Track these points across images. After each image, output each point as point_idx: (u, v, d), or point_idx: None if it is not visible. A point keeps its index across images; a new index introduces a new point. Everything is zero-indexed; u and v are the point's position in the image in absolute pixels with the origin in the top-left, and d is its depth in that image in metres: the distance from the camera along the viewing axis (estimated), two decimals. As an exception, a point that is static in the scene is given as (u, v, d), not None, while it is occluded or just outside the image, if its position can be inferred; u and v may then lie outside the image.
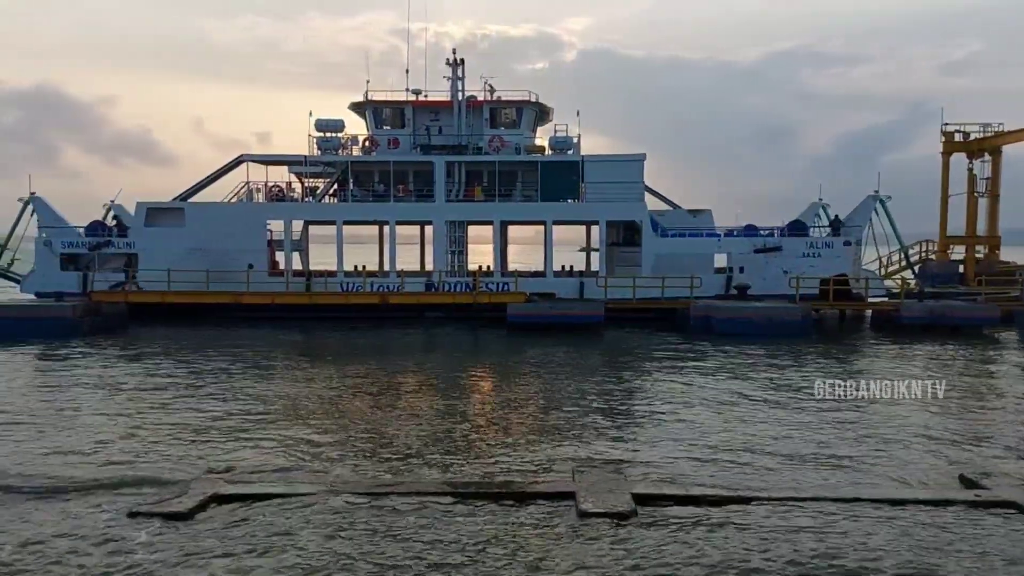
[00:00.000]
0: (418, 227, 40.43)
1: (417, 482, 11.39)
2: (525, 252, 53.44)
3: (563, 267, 38.52)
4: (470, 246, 37.28)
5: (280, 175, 37.74)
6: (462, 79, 36.67)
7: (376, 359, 24.43)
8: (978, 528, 9.26)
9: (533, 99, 36.97)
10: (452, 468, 12.51)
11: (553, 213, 35.50)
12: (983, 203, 42.30)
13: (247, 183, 36.34)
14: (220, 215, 35.00)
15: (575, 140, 36.56)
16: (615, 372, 22.26)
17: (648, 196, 36.16)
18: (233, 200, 36.15)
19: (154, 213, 35.17)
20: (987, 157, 41.59)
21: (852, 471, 12.37)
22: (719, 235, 35.82)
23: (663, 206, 37.50)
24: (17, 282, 35.34)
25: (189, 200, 35.74)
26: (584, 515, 9.52)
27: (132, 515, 9.65)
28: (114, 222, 35.68)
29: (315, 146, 36.12)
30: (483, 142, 36.29)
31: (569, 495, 10.23)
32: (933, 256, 43.65)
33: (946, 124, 42.14)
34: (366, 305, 33.18)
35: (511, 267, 39.44)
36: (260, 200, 36.39)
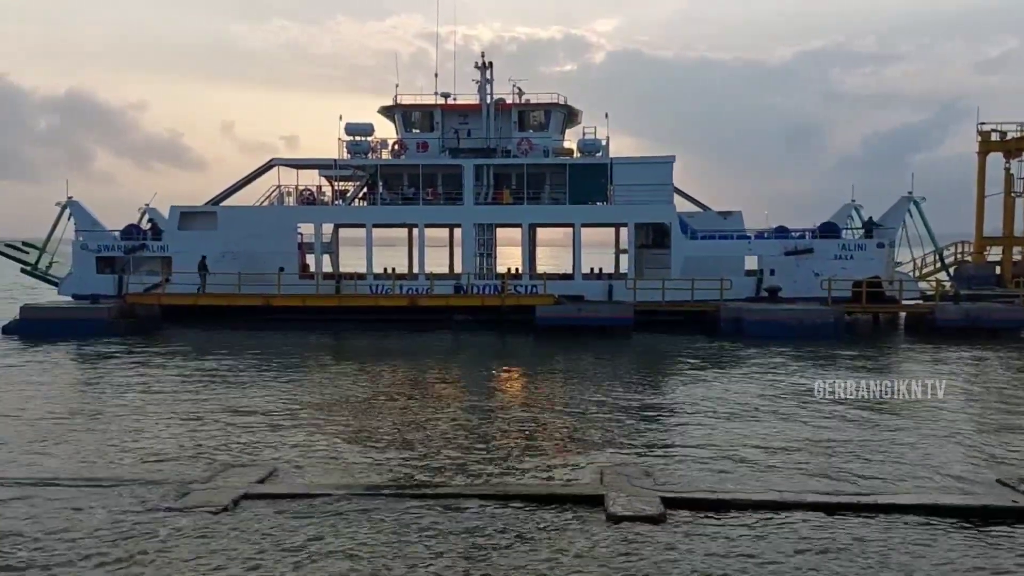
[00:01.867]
0: (447, 230, 40.61)
1: (444, 484, 11.43)
2: (555, 254, 53.40)
3: (592, 269, 38.45)
4: (499, 248, 37.34)
5: (311, 179, 38.18)
6: (490, 82, 36.80)
7: (405, 361, 24.57)
8: (1016, 537, 9.08)
9: (561, 101, 36.96)
10: (479, 471, 12.53)
11: (581, 216, 35.42)
12: (1020, 203, 41.48)
13: (278, 187, 36.78)
14: (251, 218, 35.44)
15: (603, 142, 36.48)
16: (644, 375, 22.15)
17: (677, 198, 35.95)
18: (264, 204, 36.60)
19: (187, 217, 35.71)
20: (1025, 157, 40.79)
21: (885, 477, 12.17)
22: (749, 237, 35.48)
23: (693, 208, 37.23)
24: (55, 284, 36.10)
25: (221, 204, 36.25)
26: (613, 518, 9.49)
27: (166, 510, 9.82)
28: (149, 225, 36.30)
29: (345, 150, 36.43)
30: (512, 145, 36.33)
31: (598, 499, 10.21)
32: (969, 258, 42.87)
33: (982, 123, 41.41)
34: (395, 307, 33.38)
35: (540, 269, 39.42)
36: (291, 203, 36.78)
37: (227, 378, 21.06)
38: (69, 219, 35.96)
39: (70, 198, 35.88)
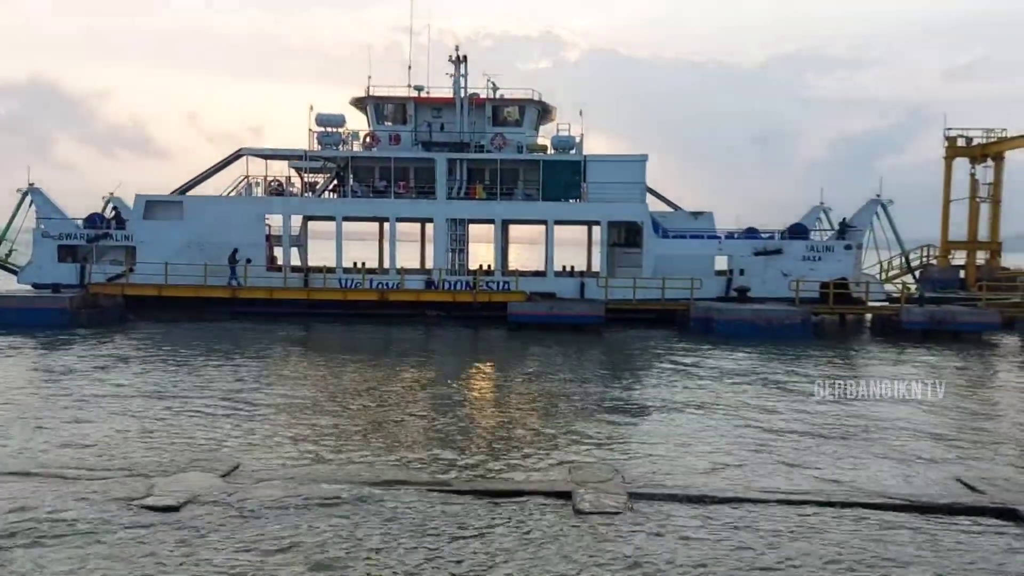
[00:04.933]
0: (418, 225, 40.30)
1: (413, 480, 11.26)
2: (530, 251, 53.34)
3: (564, 267, 38.41)
4: (472, 245, 37.15)
5: (280, 170, 37.67)
6: (465, 76, 36.52)
7: (374, 356, 24.32)
8: (975, 534, 9.13)
9: (536, 98, 36.82)
10: (449, 466, 12.39)
11: (555, 213, 35.34)
12: (985, 208, 42.22)
13: (246, 177, 36.22)
14: (219, 209, 34.87)
15: (577, 140, 36.43)
16: (614, 372, 22.13)
17: (649, 197, 36.03)
18: (232, 194, 36.02)
19: (153, 206, 35.04)
20: (990, 162, 41.54)
21: (849, 474, 12.24)
22: (720, 237, 35.68)
23: (664, 207, 37.34)
24: (15, 273, 35.25)
25: (188, 193, 35.63)
26: (580, 513, 9.41)
27: (124, 507, 9.53)
28: (112, 214, 35.59)
29: (315, 141, 35.98)
30: (485, 140, 36.14)
31: (566, 494, 10.13)
32: (934, 261, 43.54)
33: (949, 129, 42.08)
34: (365, 302, 33.07)
35: (513, 266, 39.31)
36: (259, 194, 36.25)
37: (191, 371, 20.67)
38: (30, 206, 35.13)
39: (31, 185, 35.04)
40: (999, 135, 40.63)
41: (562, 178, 35.25)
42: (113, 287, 32.89)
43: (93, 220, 35.11)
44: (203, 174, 36.02)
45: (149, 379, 19.35)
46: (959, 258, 43.19)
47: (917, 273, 39.84)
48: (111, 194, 36.01)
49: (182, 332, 27.83)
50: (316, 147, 35.95)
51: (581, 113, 43.55)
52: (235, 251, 33.37)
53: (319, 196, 36.70)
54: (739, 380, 20.71)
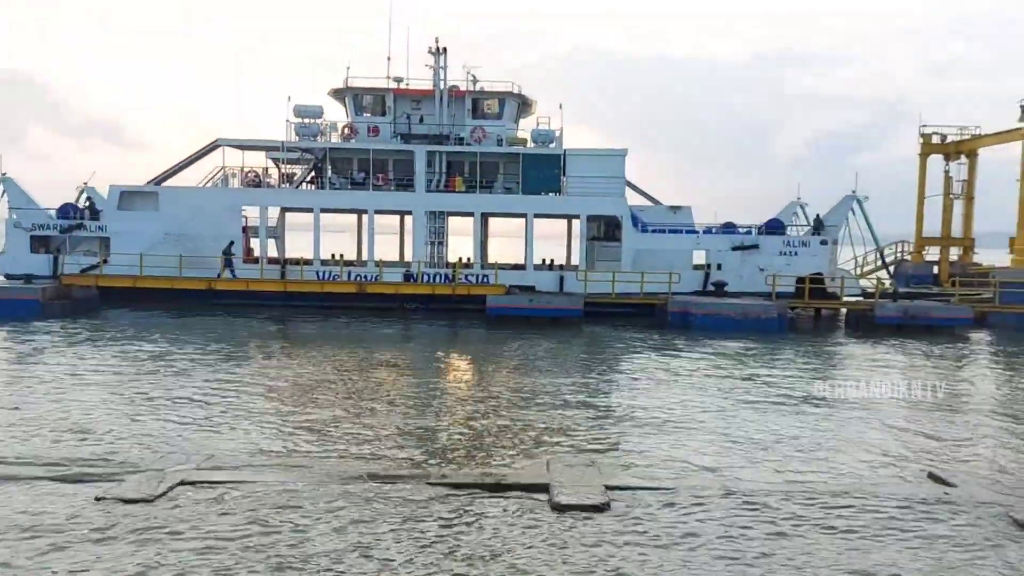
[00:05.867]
0: (397, 217, 40.15)
1: (387, 471, 11.23)
2: (510, 245, 53.31)
3: (543, 260, 38.45)
4: (451, 238, 37.08)
5: (257, 161, 37.35)
6: (444, 68, 36.38)
7: (352, 349, 24.21)
8: (946, 525, 9.27)
9: (516, 91, 36.77)
10: (425, 458, 12.38)
11: (534, 206, 35.36)
12: (958, 205, 42.82)
13: (223, 168, 35.88)
14: (195, 200, 34.53)
15: (557, 133, 36.44)
16: (592, 365, 22.21)
17: (629, 191, 36.15)
18: (208, 185, 35.68)
19: (128, 197, 34.63)
20: (963, 160, 42.13)
21: (823, 466, 12.39)
22: (698, 232, 35.88)
23: (644, 201, 37.50)
24: (-15, 262, 34.69)
25: (163, 184, 35.24)
26: (558, 507, 9.43)
27: (97, 500, 9.43)
28: (86, 205, 35.12)
29: (293, 132, 35.69)
30: (465, 133, 36.05)
31: (543, 487, 10.14)
32: (908, 257, 44.13)
33: (924, 126, 42.62)
34: (343, 294, 32.92)
35: (492, 259, 39.30)
36: (236, 186, 35.93)
37: (165, 363, 20.46)
38: (2, 196, 34.57)
39: (3, 174, 34.48)
40: (973, 132, 41.19)
41: (542, 172, 35.25)
42: (87, 278, 32.52)
43: (66, 210, 34.64)
44: (179, 165, 35.64)
45: (119, 368, 19.13)
46: (933, 254, 43.81)
47: (891, 269, 40.36)
48: (85, 184, 35.51)
49: (156, 324, 27.54)
50: (294, 138, 35.68)
51: (561, 107, 43.48)
52: (231, 243, 33.38)
53: (297, 187, 36.43)
54: (716, 373, 20.87)
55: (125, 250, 32.80)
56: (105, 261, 33.20)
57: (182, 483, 10.03)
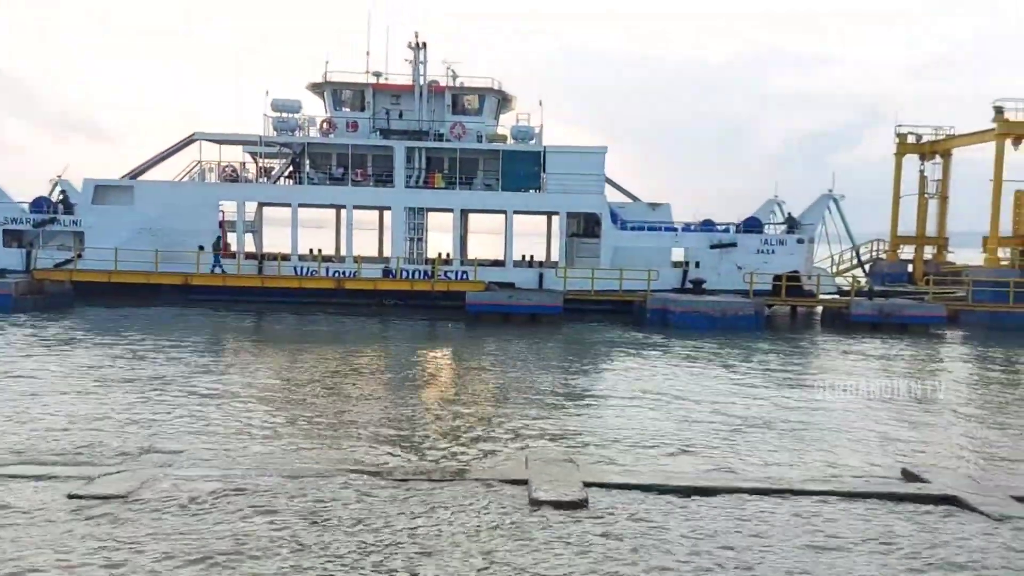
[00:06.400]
0: (376, 213, 39.95)
1: (366, 467, 11.17)
2: (489, 241, 53.22)
3: (523, 257, 38.46)
4: (430, 234, 36.97)
5: (234, 155, 37.02)
6: (424, 63, 36.25)
7: (330, 345, 24.07)
8: (919, 521, 9.39)
9: (496, 86, 36.72)
10: (403, 455, 12.33)
11: (514, 203, 35.33)
12: (933, 204, 43.35)
13: (199, 162, 35.52)
14: (171, 194, 34.17)
15: (537, 130, 36.43)
16: (571, 363, 22.25)
17: (608, 188, 36.25)
18: (184, 179, 35.30)
19: (102, 191, 34.20)
20: (938, 159, 42.63)
21: (797, 463, 12.50)
22: (677, 229, 36.06)
23: (623, 198, 37.60)
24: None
25: (139, 178, 34.82)
26: (536, 503, 9.43)
27: (70, 497, 9.30)
28: (60, 198, 34.62)
29: (271, 126, 35.39)
30: (444, 128, 35.95)
31: (522, 483, 10.14)
32: (884, 255, 44.64)
33: (900, 126, 43.08)
34: (321, 290, 32.74)
35: (472, 256, 39.26)
36: (213, 180, 35.58)
37: (140, 359, 20.22)
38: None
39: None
40: (948, 133, 41.70)
41: (522, 168, 35.24)
42: (61, 273, 32.07)
43: (39, 204, 34.13)
44: (155, 158, 35.24)
45: (91, 364, 18.89)
46: (907, 253, 44.32)
47: (867, 267, 40.80)
48: (58, 177, 35.00)
49: (131, 319, 27.21)
50: (272, 133, 35.39)
51: (541, 103, 43.52)
52: (219, 238, 33.04)
53: (274, 182, 36.15)
54: (694, 370, 20.98)
55: (100, 244, 32.40)
56: (79, 256, 32.77)
57: (147, 480, 9.92)
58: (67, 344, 22.17)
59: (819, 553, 8.15)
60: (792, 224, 36.21)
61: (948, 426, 15.68)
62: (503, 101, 37.55)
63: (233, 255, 34.72)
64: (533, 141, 36.14)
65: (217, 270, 32.87)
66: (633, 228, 35.41)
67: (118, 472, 10.25)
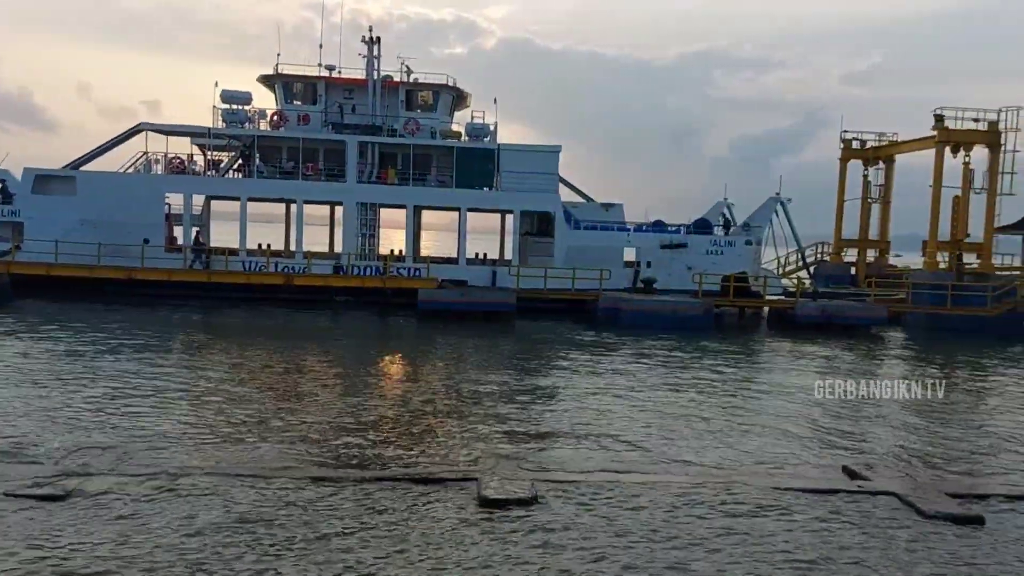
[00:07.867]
0: (327, 208, 39.47)
1: (313, 466, 11.04)
2: (442, 238, 53.02)
3: (476, 255, 38.39)
4: (383, 230, 36.67)
5: (182, 147, 36.19)
6: (378, 58, 35.93)
7: (277, 343, 23.71)
8: (861, 516, 9.64)
9: (450, 83, 36.59)
10: (351, 454, 12.21)
11: (467, 200, 35.25)
12: (876, 209, 44.54)
13: (145, 153, 34.66)
14: (115, 186, 33.28)
15: (491, 128, 36.41)
16: (523, 361, 22.29)
17: (562, 188, 36.40)
18: (129, 170, 34.41)
19: (43, 181, 33.14)
20: (881, 165, 43.80)
21: (742, 460, 12.72)
22: (629, 229, 36.40)
23: (577, 198, 37.82)
24: None
25: (81, 168, 33.83)
26: (485, 501, 9.43)
27: (6, 496, 9.00)
28: (-2, 188, 33.46)
29: (220, 118, 34.70)
30: (398, 124, 35.69)
31: (471, 480, 10.14)
32: (828, 258, 45.73)
33: (845, 132, 44.13)
34: (269, 286, 32.23)
35: (424, 253, 39.06)
36: (159, 172, 34.75)
37: (79, 356, 19.64)
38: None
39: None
40: (891, 139, 42.86)
41: (476, 166, 35.18)
42: (-4, 265, 30.97)
43: (-25, 194, 32.93)
44: (99, 149, 34.29)
45: (30, 363, 18.29)
46: (851, 255, 45.45)
47: (811, 269, 41.74)
48: (-4, 166, 33.84)
49: (72, 315, 26.40)
50: (221, 124, 34.71)
51: (495, 101, 43.43)
52: (198, 233, 32.35)
53: (223, 175, 35.45)
54: (643, 368, 21.20)
55: (39, 236, 31.40)
56: (17, 247, 31.70)
57: (85, 477, 9.66)
58: (4, 338, 21.42)
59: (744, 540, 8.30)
60: (727, 227, 36.95)
61: (887, 424, 16.12)
62: (458, 98, 37.44)
63: (179, 249, 33.96)
64: (487, 139, 36.11)
65: (197, 266, 32.27)
66: (586, 228, 35.64)
67: (54, 471, 9.94)
